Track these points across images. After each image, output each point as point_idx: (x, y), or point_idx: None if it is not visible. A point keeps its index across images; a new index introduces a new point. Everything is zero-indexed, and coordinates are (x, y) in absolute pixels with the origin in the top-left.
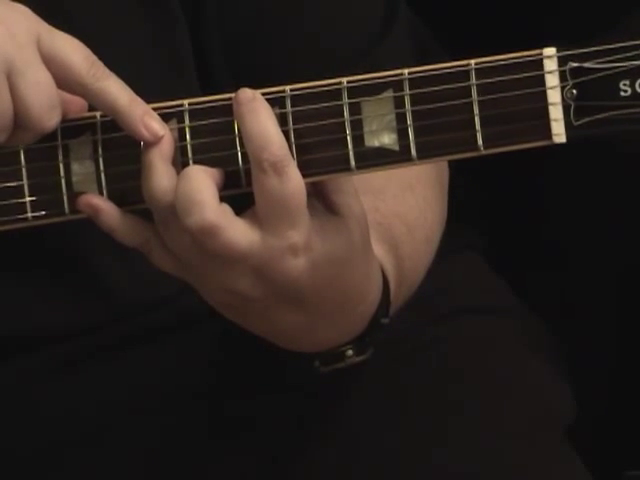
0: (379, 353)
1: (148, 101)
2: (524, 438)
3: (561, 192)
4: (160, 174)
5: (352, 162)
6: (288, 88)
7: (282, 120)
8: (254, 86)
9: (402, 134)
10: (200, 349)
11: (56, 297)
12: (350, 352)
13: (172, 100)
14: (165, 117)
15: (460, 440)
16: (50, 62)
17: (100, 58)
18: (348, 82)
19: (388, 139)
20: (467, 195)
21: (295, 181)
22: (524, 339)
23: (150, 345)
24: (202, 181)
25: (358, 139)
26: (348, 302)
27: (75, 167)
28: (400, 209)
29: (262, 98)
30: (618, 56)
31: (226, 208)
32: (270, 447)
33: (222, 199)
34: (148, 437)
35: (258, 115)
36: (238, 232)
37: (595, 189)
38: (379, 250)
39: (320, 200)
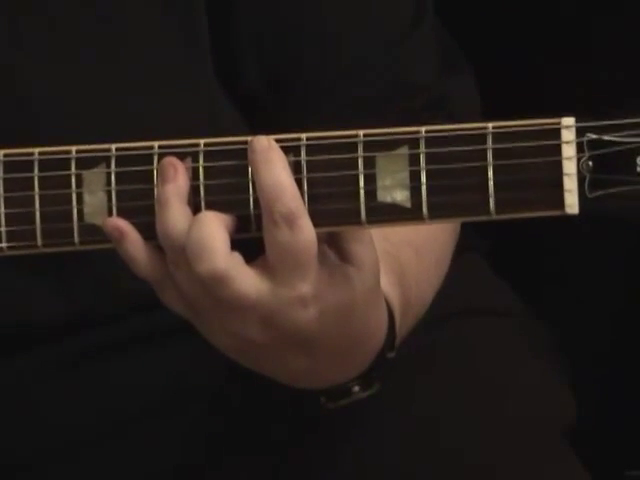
0: None
1: (166, 135)
2: (524, 438)
3: None
4: (177, 213)
5: (363, 216)
6: (304, 136)
7: (296, 168)
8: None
9: (415, 192)
10: (201, 350)
11: (57, 294)
12: (356, 388)
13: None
14: (180, 155)
15: (460, 440)
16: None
17: (118, 52)
18: (365, 135)
19: (400, 196)
20: None
21: (307, 233)
22: (524, 339)
23: (150, 345)
24: (215, 228)
25: (370, 193)
26: (355, 345)
27: (87, 198)
28: (409, 235)
29: (277, 147)
30: (637, 131)
31: (237, 257)
32: (270, 447)
33: (231, 243)
34: (148, 437)
35: (273, 165)
36: (248, 282)
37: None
38: (385, 282)
39: (332, 247)
